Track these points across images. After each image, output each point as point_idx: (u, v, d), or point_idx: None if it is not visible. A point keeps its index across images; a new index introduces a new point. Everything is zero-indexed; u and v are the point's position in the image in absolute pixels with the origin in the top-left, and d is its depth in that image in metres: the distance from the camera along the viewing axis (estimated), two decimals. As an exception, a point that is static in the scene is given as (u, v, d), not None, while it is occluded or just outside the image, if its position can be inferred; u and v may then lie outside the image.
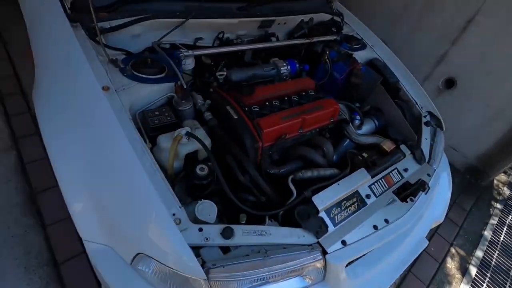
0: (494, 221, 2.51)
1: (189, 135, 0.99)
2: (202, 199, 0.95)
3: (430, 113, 1.75)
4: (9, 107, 2.07)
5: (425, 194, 1.33)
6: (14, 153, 1.83)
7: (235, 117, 1.12)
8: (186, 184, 1.04)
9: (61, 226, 1.57)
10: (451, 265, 2.08)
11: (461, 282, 2.01)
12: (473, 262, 2.14)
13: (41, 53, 1.17)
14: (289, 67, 1.65)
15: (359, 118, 1.58)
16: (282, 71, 1.62)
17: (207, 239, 0.86)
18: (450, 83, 2.75)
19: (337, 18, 2.04)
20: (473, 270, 2.08)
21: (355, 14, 2.23)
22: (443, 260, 2.08)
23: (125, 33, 1.26)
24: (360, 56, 1.87)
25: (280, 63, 1.62)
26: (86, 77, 1.00)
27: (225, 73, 1.35)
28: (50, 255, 1.46)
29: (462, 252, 2.18)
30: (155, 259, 0.83)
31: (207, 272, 0.81)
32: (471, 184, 2.80)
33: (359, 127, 1.58)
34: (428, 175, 1.41)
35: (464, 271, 2.07)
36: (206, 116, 1.15)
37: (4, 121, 1.98)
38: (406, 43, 2.89)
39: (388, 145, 1.42)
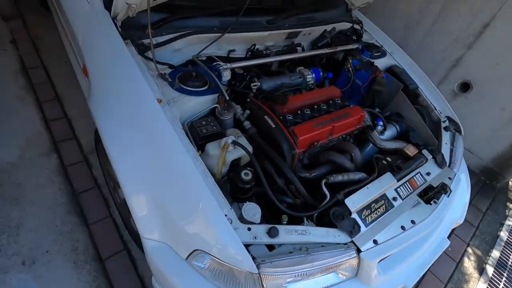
0: (510, 222, 2.56)
1: (235, 143, 1.09)
2: (247, 201, 1.05)
3: (448, 118, 1.82)
4: (47, 112, 2.21)
5: (447, 197, 1.41)
6: (55, 156, 1.96)
7: (273, 126, 1.22)
8: (230, 187, 1.14)
9: (103, 224, 1.70)
10: (468, 264, 2.15)
11: (478, 281, 2.07)
12: (489, 262, 2.20)
13: (97, 68, 1.29)
14: (313, 75, 1.75)
15: (381, 124, 1.66)
16: (307, 80, 1.71)
17: (255, 237, 0.96)
18: (465, 87, 2.80)
19: (357, 26, 2.12)
20: (490, 270, 2.14)
21: (370, 19, 2.30)
22: (460, 260, 2.14)
23: (168, 47, 1.36)
24: (381, 63, 1.94)
25: (305, 72, 1.72)
26: (143, 91, 1.11)
27: (259, 83, 1.45)
28: (95, 252, 1.59)
29: (478, 252, 2.24)
30: (211, 255, 0.94)
31: (258, 267, 0.92)
32: (487, 185, 2.85)
33: (381, 132, 1.66)
34: (450, 178, 1.49)
35: (481, 271, 2.14)
36: (245, 125, 1.26)
37: (44, 126, 2.12)
38: (420, 47, 2.95)
39: (411, 150, 1.50)
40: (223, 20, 1.48)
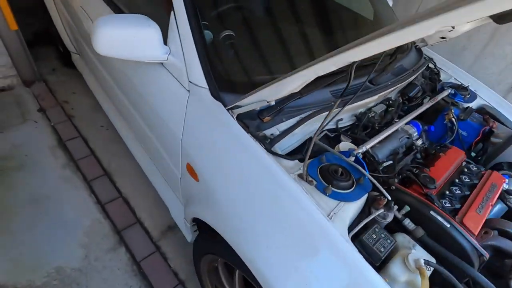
0: None
1: (428, 263, 0.87)
2: None
3: (559, 160, 1.65)
4: (99, 193, 1.94)
5: None
6: (123, 250, 1.69)
7: (447, 225, 1.00)
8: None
9: (202, 336, 1.43)
10: None
11: None
12: None
13: (217, 171, 1.04)
14: (415, 130, 1.57)
15: (507, 181, 1.47)
16: (414, 138, 1.53)
17: None
18: (526, 109, 2.68)
19: (431, 65, 1.98)
20: None
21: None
22: None
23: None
24: (472, 105, 1.78)
25: (409, 129, 1.54)
26: (303, 205, 0.89)
27: (390, 162, 1.25)
28: None
29: None
30: None
31: None
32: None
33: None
34: None
35: None
36: (407, 225, 1.03)
37: (101, 212, 1.85)
38: (471, 71, 2.82)
39: None
40: (333, 91, 1.29)
